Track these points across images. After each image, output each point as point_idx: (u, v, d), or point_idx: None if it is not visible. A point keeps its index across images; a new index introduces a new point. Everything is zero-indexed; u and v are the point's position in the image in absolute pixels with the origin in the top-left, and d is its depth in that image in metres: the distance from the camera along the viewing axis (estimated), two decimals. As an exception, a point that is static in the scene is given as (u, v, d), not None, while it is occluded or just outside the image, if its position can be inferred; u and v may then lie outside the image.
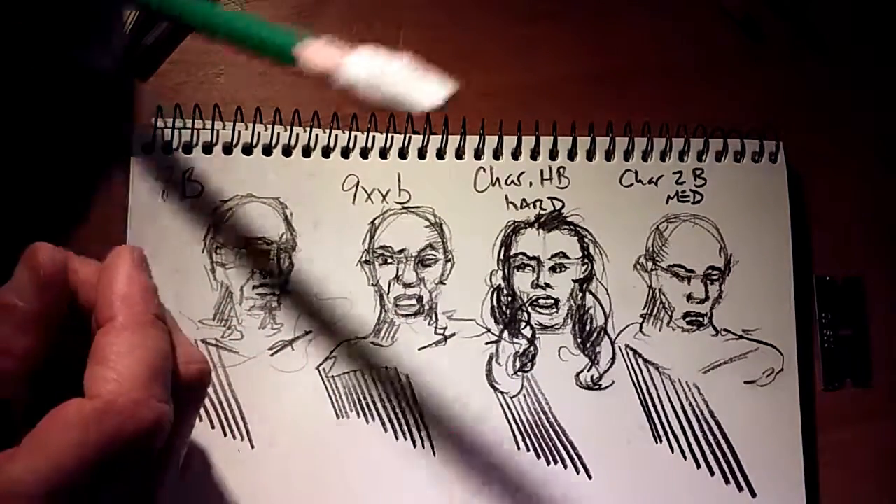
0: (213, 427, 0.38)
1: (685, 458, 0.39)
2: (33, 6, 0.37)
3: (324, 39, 0.27)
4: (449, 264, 0.40)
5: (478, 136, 0.41)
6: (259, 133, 0.40)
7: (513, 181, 0.41)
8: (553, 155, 0.41)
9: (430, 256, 0.40)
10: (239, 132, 0.40)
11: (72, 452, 0.24)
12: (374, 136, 0.41)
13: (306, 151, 0.41)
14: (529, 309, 0.40)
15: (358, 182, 0.40)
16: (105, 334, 0.26)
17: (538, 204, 0.41)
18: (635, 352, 0.40)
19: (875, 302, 0.42)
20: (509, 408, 0.39)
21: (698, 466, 0.39)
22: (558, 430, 0.39)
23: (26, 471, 0.23)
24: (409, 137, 0.41)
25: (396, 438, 0.39)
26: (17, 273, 0.27)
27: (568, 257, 0.41)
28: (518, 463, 0.39)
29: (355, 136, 0.41)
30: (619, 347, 0.40)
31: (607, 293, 0.40)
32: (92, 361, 0.26)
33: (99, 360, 0.26)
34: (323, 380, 0.39)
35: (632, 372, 0.40)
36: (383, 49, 0.27)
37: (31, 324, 0.27)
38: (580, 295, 0.40)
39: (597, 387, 0.40)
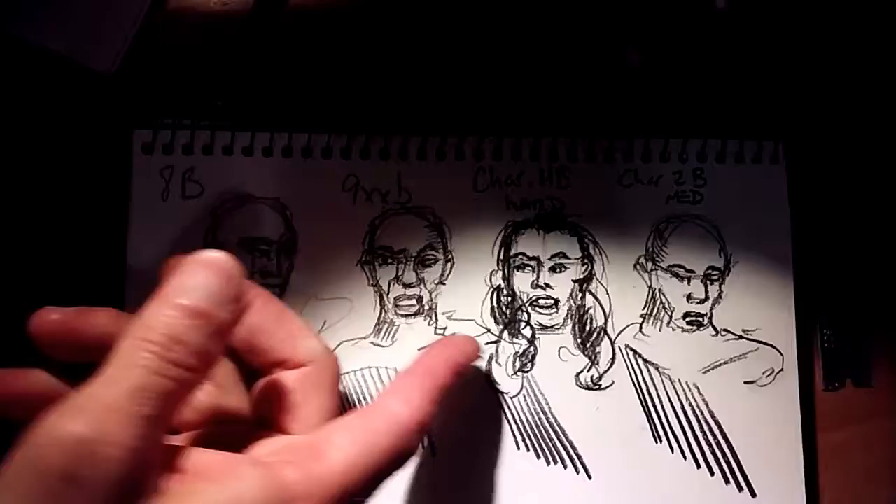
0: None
1: (685, 458, 0.39)
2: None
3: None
4: (449, 264, 0.40)
5: (478, 136, 0.41)
6: (259, 133, 0.40)
7: (513, 181, 0.41)
8: (553, 155, 0.41)
9: (430, 256, 0.40)
10: (239, 132, 0.40)
11: (383, 458, 0.27)
12: (374, 136, 0.41)
13: (306, 151, 0.41)
14: (529, 309, 0.40)
15: (358, 182, 0.40)
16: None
17: (538, 204, 0.41)
18: (635, 352, 0.40)
19: (875, 302, 0.42)
20: (509, 408, 0.39)
21: (698, 466, 0.39)
22: (558, 430, 0.39)
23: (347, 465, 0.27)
24: (409, 137, 0.41)
25: (396, 438, 0.39)
26: (198, 279, 0.26)
27: (568, 257, 0.41)
28: (518, 463, 0.39)
29: (355, 136, 0.41)
30: (619, 347, 0.40)
31: (607, 293, 0.40)
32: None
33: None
34: (323, 380, 0.39)
35: (632, 372, 0.40)
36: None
37: (221, 336, 0.26)
38: (580, 295, 0.40)
39: (597, 387, 0.40)
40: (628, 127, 0.42)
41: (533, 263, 0.40)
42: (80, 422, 0.22)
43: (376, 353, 0.39)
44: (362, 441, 0.27)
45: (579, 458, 0.39)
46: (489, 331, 0.40)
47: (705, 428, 0.39)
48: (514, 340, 0.40)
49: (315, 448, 0.27)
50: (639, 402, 0.40)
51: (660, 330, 0.40)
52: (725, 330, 0.40)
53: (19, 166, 0.40)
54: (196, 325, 0.25)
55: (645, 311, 0.40)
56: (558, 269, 0.41)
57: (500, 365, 0.40)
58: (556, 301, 0.40)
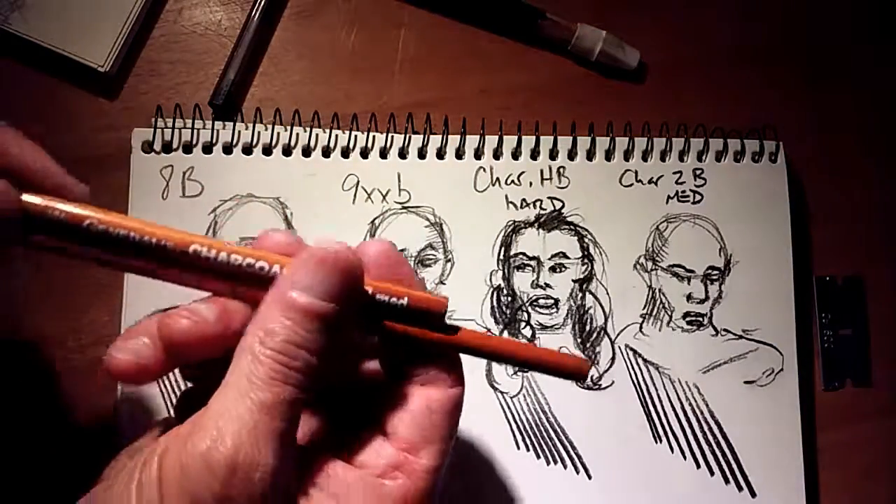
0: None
1: (685, 457, 0.39)
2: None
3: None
4: (449, 264, 0.40)
5: (478, 136, 0.41)
6: (259, 133, 0.40)
7: (513, 181, 0.41)
8: (553, 155, 0.41)
9: (430, 256, 0.40)
10: (239, 132, 0.40)
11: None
12: (374, 136, 0.41)
13: (306, 151, 0.41)
14: (529, 309, 0.40)
15: (358, 182, 0.40)
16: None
17: (538, 204, 0.41)
18: (635, 352, 0.40)
19: (875, 302, 0.42)
20: (509, 408, 0.39)
21: (698, 466, 0.39)
22: (558, 429, 0.39)
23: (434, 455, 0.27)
24: (409, 137, 0.41)
25: (396, 438, 0.39)
26: (317, 276, 0.25)
27: (568, 257, 0.41)
28: (518, 463, 0.39)
29: (355, 136, 0.41)
30: (619, 347, 0.40)
31: (607, 293, 0.40)
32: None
33: None
34: (323, 380, 0.39)
35: (632, 372, 0.40)
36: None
37: (341, 330, 0.25)
38: (580, 295, 0.40)
39: (597, 387, 0.40)
40: (628, 127, 0.42)
41: (533, 263, 0.40)
42: (226, 446, 0.22)
43: (376, 352, 0.39)
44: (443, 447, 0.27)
45: (579, 457, 0.39)
46: (489, 330, 0.40)
47: (705, 428, 0.39)
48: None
49: (414, 468, 0.26)
50: (639, 402, 0.40)
51: (660, 330, 0.40)
52: (725, 330, 0.40)
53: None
54: (317, 326, 0.24)
55: (645, 311, 0.40)
56: (558, 269, 0.41)
57: (500, 365, 0.40)
58: (556, 301, 0.40)
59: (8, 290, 0.27)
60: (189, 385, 0.30)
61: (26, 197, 0.25)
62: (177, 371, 0.27)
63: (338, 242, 0.25)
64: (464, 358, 0.41)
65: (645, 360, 0.40)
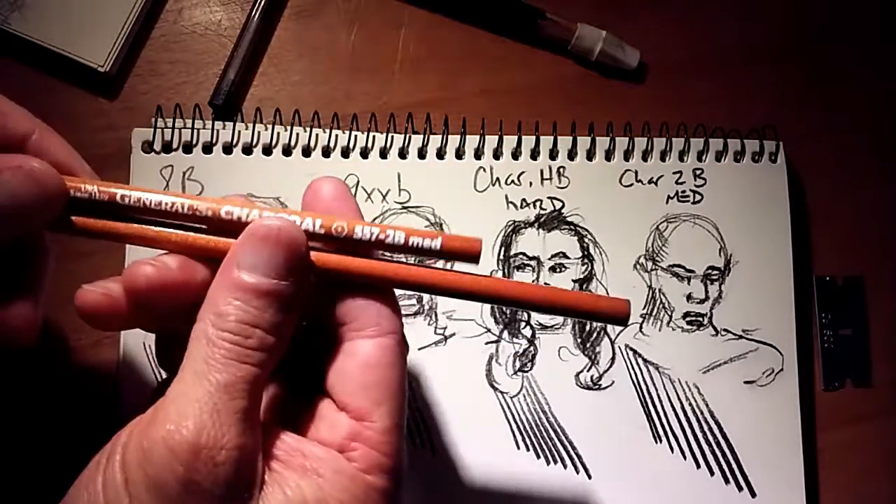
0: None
1: (685, 458, 0.39)
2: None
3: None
4: (449, 264, 0.40)
5: (478, 136, 0.41)
6: (259, 133, 0.40)
7: (513, 181, 0.41)
8: (553, 155, 0.41)
9: (430, 256, 0.40)
10: (239, 132, 0.40)
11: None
12: (374, 136, 0.41)
13: (306, 151, 0.41)
14: (529, 309, 0.40)
15: (358, 182, 0.40)
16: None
17: (538, 204, 0.41)
18: (635, 352, 0.40)
19: (875, 302, 0.42)
20: (509, 408, 0.39)
21: (698, 466, 0.39)
22: (558, 429, 0.39)
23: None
24: (409, 137, 0.41)
25: (396, 438, 0.39)
26: (263, 254, 0.25)
27: (568, 257, 0.41)
28: (518, 463, 0.39)
29: (355, 136, 0.41)
30: (619, 347, 0.40)
31: (607, 293, 0.40)
32: None
33: None
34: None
35: (631, 372, 0.40)
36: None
37: (295, 306, 0.25)
38: (580, 295, 0.40)
39: (597, 387, 0.40)
40: (628, 127, 0.42)
41: (533, 263, 0.40)
42: (188, 428, 0.22)
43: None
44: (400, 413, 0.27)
45: (579, 457, 0.39)
46: (489, 330, 0.40)
47: (705, 428, 0.39)
48: (515, 340, 0.40)
49: (380, 440, 0.26)
50: (639, 402, 0.40)
51: (660, 330, 0.40)
52: (725, 330, 0.40)
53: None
54: (267, 303, 0.24)
55: (645, 311, 0.40)
56: (558, 269, 0.41)
57: (500, 365, 0.40)
58: (556, 301, 0.40)
59: (38, 290, 0.27)
60: (165, 377, 0.30)
61: (70, 179, 0.26)
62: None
63: (278, 217, 0.26)
64: (463, 360, 0.41)
65: (645, 360, 0.40)
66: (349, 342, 0.26)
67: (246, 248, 0.25)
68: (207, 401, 0.23)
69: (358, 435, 0.25)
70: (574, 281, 0.40)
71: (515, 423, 0.39)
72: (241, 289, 0.24)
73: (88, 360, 0.38)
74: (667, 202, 0.41)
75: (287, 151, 0.40)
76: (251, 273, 0.24)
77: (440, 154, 0.41)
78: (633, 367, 0.40)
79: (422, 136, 0.41)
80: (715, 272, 0.41)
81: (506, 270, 0.40)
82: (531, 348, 0.40)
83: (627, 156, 0.41)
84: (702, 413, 0.40)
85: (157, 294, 0.26)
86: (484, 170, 0.41)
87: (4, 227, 0.25)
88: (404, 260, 0.27)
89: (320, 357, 0.27)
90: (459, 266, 0.28)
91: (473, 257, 0.27)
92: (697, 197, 0.41)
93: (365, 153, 0.41)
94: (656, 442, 0.39)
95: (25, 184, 0.25)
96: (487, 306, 0.40)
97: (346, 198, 0.28)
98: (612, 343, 0.40)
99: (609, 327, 0.40)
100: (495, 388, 0.39)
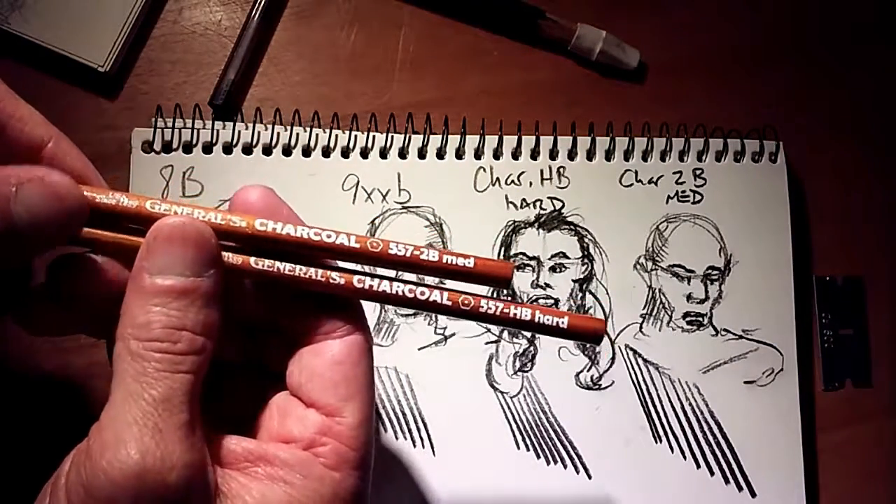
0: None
1: (685, 458, 0.39)
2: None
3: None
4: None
5: (478, 136, 0.41)
6: (259, 133, 0.40)
7: (513, 181, 0.41)
8: (553, 155, 0.41)
9: (430, 256, 0.40)
10: (239, 132, 0.40)
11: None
12: (374, 136, 0.41)
13: (306, 151, 0.41)
14: (529, 309, 0.40)
15: (358, 182, 0.40)
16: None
17: (538, 204, 0.41)
18: (635, 352, 0.40)
19: (875, 302, 0.42)
20: (509, 408, 0.39)
21: (698, 466, 0.39)
22: (558, 429, 0.39)
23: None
24: (409, 137, 0.41)
25: (396, 438, 0.39)
26: (171, 255, 0.24)
27: (568, 257, 0.41)
28: (518, 463, 0.39)
29: (355, 136, 0.41)
30: (619, 347, 0.40)
31: (607, 293, 0.40)
32: None
33: None
34: (323, 380, 0.39)
35: (632, 372, 0.40)
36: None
37: (214, 299, 0.24)
38: (580, 295, 0.40)
39: (597, 387, 0.40)
40: (628, 127, 0.42)
41: (533, 263, 0.40)
42: (129, 455, 0.21)
43: (377, 352, 0.39)
44: (369, 407, 0.26)
45: (579, 457, 0.39)
46: (489, 330, 0.40)
47: (705, 428, 0.39)
48: (515, 340, 0.40)
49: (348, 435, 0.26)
50: (639, 402, 0.40)
51: (660, 330, 0.40)
52: (725, 330, 0.40)
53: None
54: (188, 302, 0.23)
55: (645, 311, 0.40)
56: (558, 269, 0.41)
57: (500, 365, 0.40)
58: (556, 301, 0.40)
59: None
60: None
61: (88, 192, 0.25)
62: None
63: (180, 216, 0.25)
64: (463, 360, 0.41)
65: (645, 360, 0.40)
66: (316, 344, 0.26)
67: (154, 252, 0.24)
68: (146, 421, 0.21)
69: (328, 430, 0.25)
70: (574, 281, 0.40)
71: (515, 423, 0.39)
72: (157, 293, 0.23)
73: (89, 360, 0.38)
74: (667, 202, 0.41)
75: (287, 151, 0.40)
76: (164, 275, 0.24)
77: (440, 154, 0.41)
78: (633, 367, 0.40)
79: (422, 136, 0.41)
80: (715, 272, 0.41)
81: (506, 270, 0.40)
82: (531, 348, 0.40)
83: (627, 156, 0.41)
84: (702, 413, 0.40)
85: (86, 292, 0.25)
86: (484, 170, 0.41)
87: (22, 246, 0.24)
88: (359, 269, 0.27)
89: (277, 358, 0.27)
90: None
91: (504, 282, 0.27)
92: (697, 197, 0.41)
93: (365, 153, 0.41)
94: (656, 442, 0.39)
95: (46, 199, 0.23)
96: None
97: (277, 203, 0.27)
98: (613, 343, 0.40)
99: (609, 327, 0.40)
100: (495, 388, 0.39)
